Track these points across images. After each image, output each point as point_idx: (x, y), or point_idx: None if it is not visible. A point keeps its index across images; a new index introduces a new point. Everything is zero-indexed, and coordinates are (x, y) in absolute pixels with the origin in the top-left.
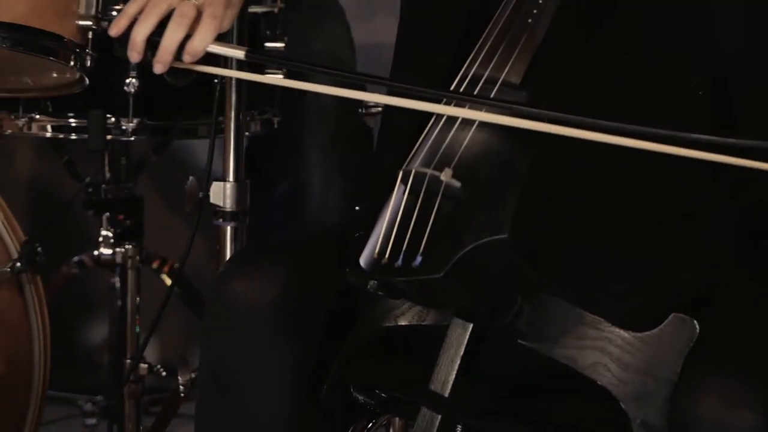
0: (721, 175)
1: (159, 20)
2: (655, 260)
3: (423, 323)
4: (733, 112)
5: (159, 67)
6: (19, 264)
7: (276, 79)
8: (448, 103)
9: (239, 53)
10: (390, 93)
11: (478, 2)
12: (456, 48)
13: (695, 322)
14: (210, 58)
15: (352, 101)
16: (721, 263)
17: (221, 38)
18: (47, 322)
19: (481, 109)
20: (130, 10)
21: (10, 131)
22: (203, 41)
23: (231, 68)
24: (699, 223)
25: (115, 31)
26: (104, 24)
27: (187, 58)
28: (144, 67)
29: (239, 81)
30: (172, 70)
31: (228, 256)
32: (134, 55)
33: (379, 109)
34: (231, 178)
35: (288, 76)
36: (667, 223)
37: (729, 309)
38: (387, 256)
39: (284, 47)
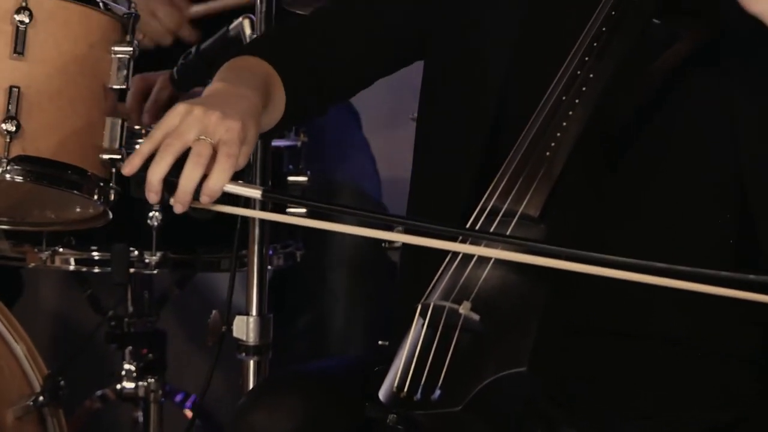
0: (742, 306)
1: (174, 160)
2: (675, 393)
3: None
4: (757, 238)
5: (179, 208)
6: (41, 398)
7: (298, 218)
8: (464, 240)
9: (256, 193)
10: (408, 231)
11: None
12: (473, 181)
13: None
14: (232, 198)
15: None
16: (744, 398)
17: (238, 175)
18: None
19: (497, 246)
20: (144, 148)
21: (33, 264)
22: (219, 181)
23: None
24: (721, 355)
25: (128, 169)
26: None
27: (204, 198)
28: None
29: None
30: (194, 207)
31: None
32: (152, 196)
33: None
34: (254, 312)
35: (310, 212)
36: (687, 355)
37: None
38: (406, 389)
39: (307, 181)
